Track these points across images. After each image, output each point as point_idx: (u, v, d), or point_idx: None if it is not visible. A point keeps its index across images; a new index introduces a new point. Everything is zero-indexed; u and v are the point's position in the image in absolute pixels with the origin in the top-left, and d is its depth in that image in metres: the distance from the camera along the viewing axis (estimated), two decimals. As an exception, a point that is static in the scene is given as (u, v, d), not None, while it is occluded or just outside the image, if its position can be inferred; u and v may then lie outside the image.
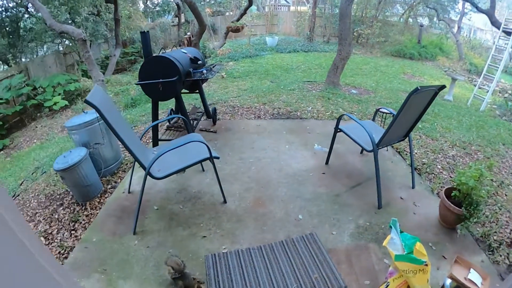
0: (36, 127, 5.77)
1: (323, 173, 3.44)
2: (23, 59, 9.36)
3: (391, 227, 2.04)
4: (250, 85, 6.43)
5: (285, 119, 4.58)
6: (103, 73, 8.23)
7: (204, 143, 2.75)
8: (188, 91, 4.52)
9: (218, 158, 2.84)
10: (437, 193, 3.23)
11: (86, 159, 3.19)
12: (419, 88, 2.53)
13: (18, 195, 3.65)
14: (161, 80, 3.56)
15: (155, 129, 3.88)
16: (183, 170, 2.97)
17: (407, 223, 2.78)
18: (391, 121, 2.84)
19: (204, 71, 4.06)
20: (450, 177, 3.52)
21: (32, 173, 3.92)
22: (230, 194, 3.11)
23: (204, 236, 2.65)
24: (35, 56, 9.94)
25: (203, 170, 3.54)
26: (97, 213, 3.08)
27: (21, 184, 3.83)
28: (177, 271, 2.11)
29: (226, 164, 3.60)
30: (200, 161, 2.79)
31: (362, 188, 3.23)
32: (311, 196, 3.09)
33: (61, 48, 10.06)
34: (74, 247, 2.75)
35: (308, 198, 3.07)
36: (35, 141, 5.20)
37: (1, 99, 5.66)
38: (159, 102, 3.94)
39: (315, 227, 2.71)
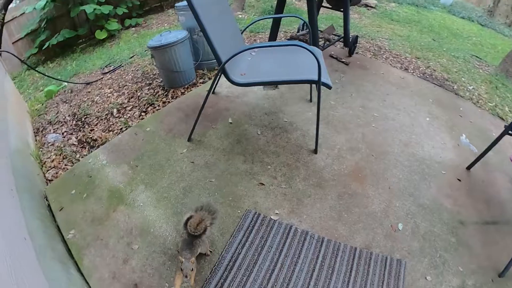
0: (171, 14, 5.83)
1: (459, 180, 2.02)
2: None
3: None
4: (408, 33, 4.85)
5: (436, 86, 3.08)
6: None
7: (314, 55, 1.77)
8: (330, 7, 3.45)
9: (329, 87, 1.86)
10: None
11: (182, 43, 2.72)
12: None
13: (122, 65, 3.62)
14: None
15: (274, 26, 3.03)
16: (274, 84, 2.16)
17: None
18: None
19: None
20: None
21: (145, 50, 3.83)
22: (327, 145, 2.14)
23: (262, 184, 1.87)
24: None
25: (310, 100, 2.60)
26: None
27: (131, 57, 3.80)
28: (195, 231, 1.41)
29: (341, 105, 2.56)
30: (302, 81, 1.86)
31: (496, 231, 1.73)
32: (429, 204, 1.81)
33: None
34: (126, 129, 2.43)
35: (423, 205, 1.81)
36: (165, 25, 5.24)
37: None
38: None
39: (409, 254, 1.54)
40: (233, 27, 2.32)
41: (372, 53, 3.66)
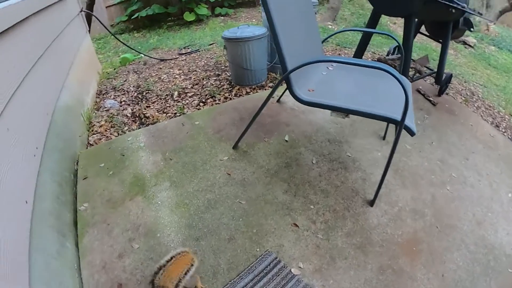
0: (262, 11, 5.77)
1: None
2: None
3: None
4: (505, 84, 4.00)
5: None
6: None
7: (402, 86, 1.36)
8: (428, 35, 2.93)
9: (412, 133, 1.46)
10: None
11: (259, 40, 2.50)
12: None
13: (199, 50, 3.55)
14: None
15: (362, 43, 2.67)
16: (345, 112, 1.80)
17: None
18: None
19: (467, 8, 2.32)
20: None
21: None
22: (388, 200, 1.69)
23: (296, 225, 1.51)
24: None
25: (384, 138, 2.15)
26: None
27: (210, 44, 3.73)
28: None
29: (417, 153, 2.06)
30: (381, 118, 1.49)
31: None
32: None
33: None
34: (179, 115, 2.28)
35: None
36: (253, 20, 5.12)
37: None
38: (382, 16, 2.71)
39: None
40: (312, 33, 1.99)
41: (463, 98, 3.02)
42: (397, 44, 2.07)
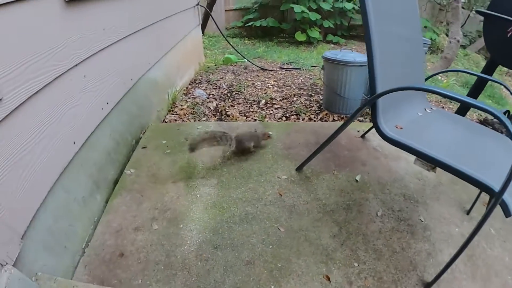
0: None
1: None
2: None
3: None
4: None
5: None
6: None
7: None
8: None
9: (509, 214, 1.01)
10: None
11: (359, 67, 2.29)
12: None
13: (300, 69, 3.46)
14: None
15: (473, 92, 2.15)
16: (433, 164, 1.39)
17: None
18: None
19: None
20: None
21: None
22: None
23: (328, 279, 1.14)
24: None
25: (468, 213, 1.61)
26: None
27: (312, 66, 3.61)
28: None
29: (502, 242, 1.39)
30: (474, 182, 1.06)
31: None
32: None
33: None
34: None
35: None
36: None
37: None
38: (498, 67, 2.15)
39: None
40: (416, 63, 1.64)
41: None
42: (508, 110, 1.58)
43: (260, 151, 1.79)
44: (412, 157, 1.98)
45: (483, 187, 1.06)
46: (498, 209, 1.60)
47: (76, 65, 1.19)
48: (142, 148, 1.74)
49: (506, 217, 1.02)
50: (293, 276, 1.16)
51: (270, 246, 1.25)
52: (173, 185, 1.51)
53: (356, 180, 1.70)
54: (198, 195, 1.46)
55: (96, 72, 1.37)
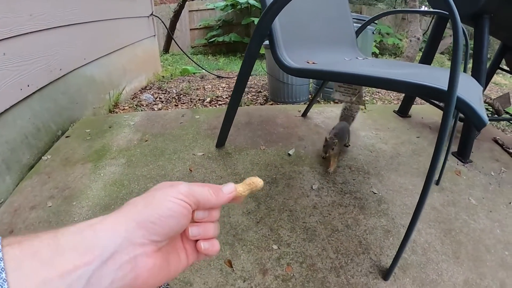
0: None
1: None
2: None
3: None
4: None
5: None
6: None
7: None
8: (510, 71, 2.14)
9: (483, 122, 0.77)
10: None
11: None
12: None
13: (257, 75, 3.50)
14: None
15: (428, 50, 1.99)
16: (358, 83, 1.16)
17: None
18: None
19: None
20: None
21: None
22: (421, 276, 0.98)
23: (230, 265, 0.99)
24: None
25: (438, 183, 1.46)
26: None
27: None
28: None
29: (486, 213, 1.19)
30: (420, 90, 0.83)
31: None
32: None
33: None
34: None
35: None
36: None
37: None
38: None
39: None
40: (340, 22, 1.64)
41: None
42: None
43: (181, 132, 1.74)
44: (364, 132, 1.91)
45: (430, 90, 0.81)
46: (475, 178, 1.51)
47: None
48: (66, 137, 1.69)
49: (479, 128, 0.79)
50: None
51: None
52: (81, 166, 1.43)
53: (289, 154, 1.60)
54: (102, 174, 1.38)
55: (17, 53, 1.40)
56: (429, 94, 0.82)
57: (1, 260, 0.22)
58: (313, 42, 1.45)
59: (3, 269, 0.22)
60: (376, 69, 1.01)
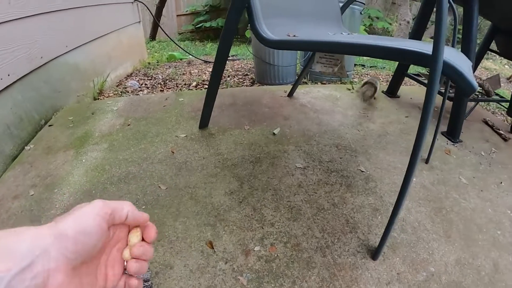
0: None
1: None
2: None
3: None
4: None
5: None
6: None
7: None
8: (499, 53, 2.11)
9: (472, 87, 0.75)
10: None
11: None
12: None
13: (243, 59, 3.46)
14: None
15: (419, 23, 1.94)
16: (343, 53, 1.16)
17: None
18: None
19: None
20: None
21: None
22: (411, 256, 1.00)
23: (211, 246, 1.00)
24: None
25: (427, 161, 1.46)
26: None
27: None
28: None
29: (477, 192, 1.29)
30: (406, 56, 0.82)
31: None
32: None
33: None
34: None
35: None
36: None
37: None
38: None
39: None
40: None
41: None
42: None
43: (165, 115, 1.73)
44: (351, 111, 1.92)
45: (414, 55, 0.79)
46: (465, 157, 1.51)
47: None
48: (49, 126, 1.68)
49: (468, 94, 0.79)
50: (163, 243, 0.98)
51: (144, 207, 1.13)
52: (63, 154, 1.43)
53: (274, 133, 1.61)
54: (83, 160, 1.37)
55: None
56: (414, 60, 0.81)
57: None
58: (296, 16, 1.43)
59: None
60: (366, 40, 0.99)
